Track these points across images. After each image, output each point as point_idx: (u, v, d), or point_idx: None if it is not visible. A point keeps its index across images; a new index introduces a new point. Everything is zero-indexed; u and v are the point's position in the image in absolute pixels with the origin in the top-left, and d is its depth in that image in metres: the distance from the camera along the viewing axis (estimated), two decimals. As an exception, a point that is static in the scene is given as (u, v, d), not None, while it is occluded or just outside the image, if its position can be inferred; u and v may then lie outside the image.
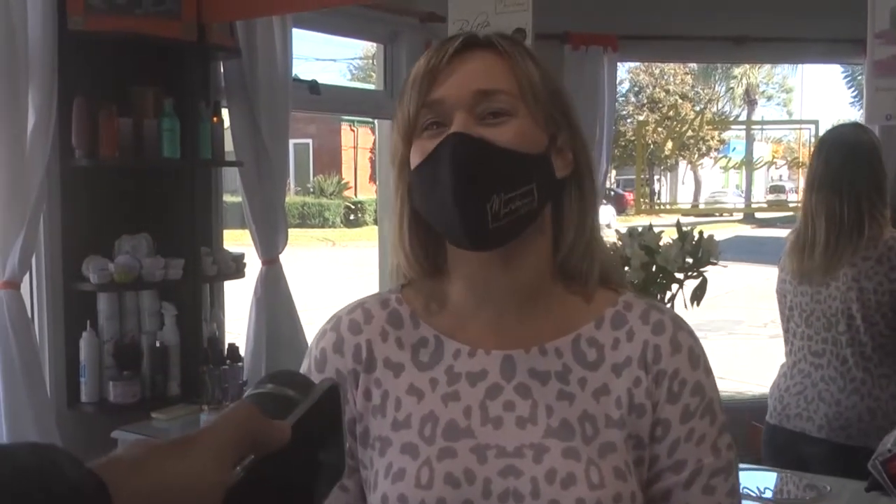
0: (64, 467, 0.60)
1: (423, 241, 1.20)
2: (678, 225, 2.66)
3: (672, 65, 27.55)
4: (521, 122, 1.13)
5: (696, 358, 1.19)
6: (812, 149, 3.36)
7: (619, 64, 5.41)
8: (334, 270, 15.66)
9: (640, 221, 3.05)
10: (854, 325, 2.82)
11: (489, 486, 1.10)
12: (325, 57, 24.59)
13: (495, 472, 1.11)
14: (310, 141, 27.90)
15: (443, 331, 1.21)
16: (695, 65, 27.91)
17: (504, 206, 1.09)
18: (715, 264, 2.64)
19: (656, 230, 2.68)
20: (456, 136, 1.10)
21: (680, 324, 1.21)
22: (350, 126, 27.95)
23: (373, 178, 24.07)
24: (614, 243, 2.67)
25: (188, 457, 0.68)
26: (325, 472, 0.83)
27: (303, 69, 4.06)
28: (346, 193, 27.65)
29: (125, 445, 0.68)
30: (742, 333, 11.21)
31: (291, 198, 24.89)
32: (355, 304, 1.27)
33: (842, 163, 2.86)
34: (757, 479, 2.66)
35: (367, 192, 26.58)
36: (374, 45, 5.17)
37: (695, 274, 2.64)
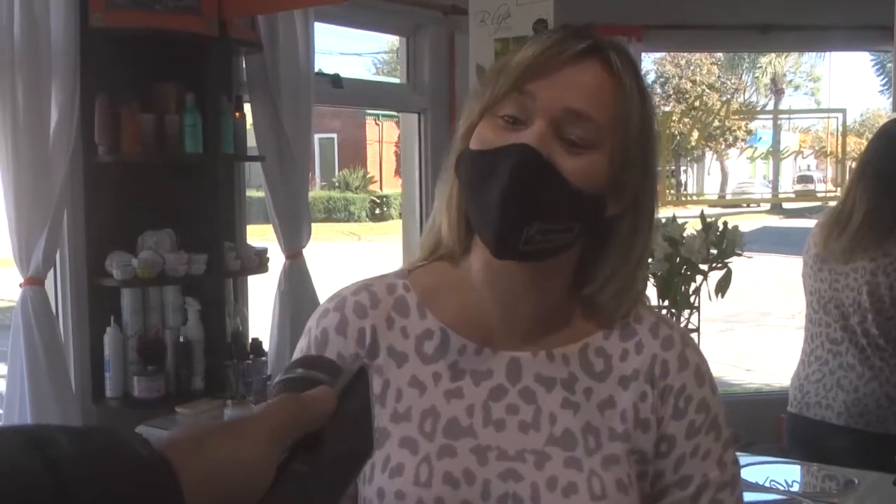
0: (135, 447, 0.64)
1: (465, 214, 1.15)
2: (702, 216, 2.64)
3: (698, 55, 27.36)
4: (597, 159, 1.07)
5: (703, 375, 1.18)
6: (869, 136, 3.24)
7: (645, 54, 5.37)
8: (360, 264, 15.67)
9: (667, 213, 3.04)
10: (867, 318, 2.79)
11: (488, 488, 1.08)
12: (349, 51, 24.59)
13: (495, 475, 1.09)
14: (335, 135, 27.93)
15: (449, 324, 1.17)
16: (721, 55, 27.72)
17: (540, 234, 1.05)
18: (740, 255, 2.62)
19: (683, 221, 2.66)
20: (525, 149, 1.04)
21: (688, 341, 1.20)
22: (375, 120, 27.96)
23: (398, 172, 24.09)
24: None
25: (242, 438, 0.71)
26: (356, 452, 0.85)
27: (327, 63, 4.04)
28: (372, 187, 27.67)
29: (180, 425, 0.74)
30: (770, 325, 11.13)
31: (317, 192, 24.96)
32: (360, 285, 1.22)
33: None
34: (784, 473, 2.65)
35: (392, 186, 26.57)
36: (398, 38, 5.15)
37: (719, 265, 2.62)
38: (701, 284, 2.62)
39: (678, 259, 2.56)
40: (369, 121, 28.18)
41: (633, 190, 1.12)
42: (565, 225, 1.07)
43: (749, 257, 2.66)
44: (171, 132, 3.48)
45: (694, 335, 2.66)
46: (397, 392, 1.15)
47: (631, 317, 1.18)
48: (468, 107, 1.13)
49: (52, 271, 3.34)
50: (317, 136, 26.02)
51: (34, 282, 3.18)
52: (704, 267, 2.60)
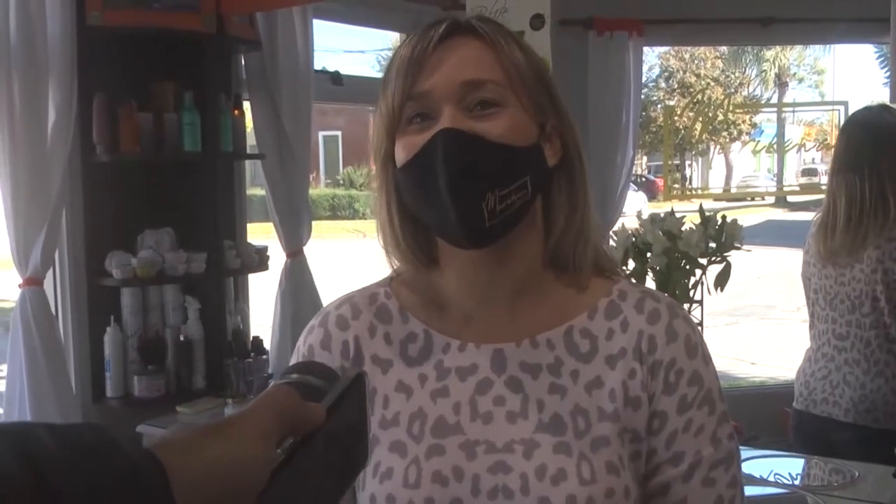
0: (124, 446, 0.64)
1: (414, 234, 1.17)
2: (701, 210, 2.63)
3: (702, 49, 27.29)
4: (512, 113, 1.09)
5: (694, 346, 1.15)
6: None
7: (648, 49, 5.34)
8: (365, 262, 15.66)
9: (667, 207, 3.03)
10: (878, 307, 2.78)
11: (478, 483, 1.08)
12: (352, 49, 24.59)
13: (484, 469, 1.08)
14: (339, 133, 27.92)
15: (432, 325, 1.18)
16: (725, 48, 27.63)
17: (500, 203, 1.06)
18: (739, 248, 2.61)
19: (686, 216, 2.65)
20: (447, 133, 1.05)
21: (676, 311, 1.17)
22: (379, 117, 27.97)
23: (402, 169, 24.05)
24: (636, 229, 2.64)
25: (235, 437, 0.72)
26: (350, 459, 0.85)
27: (330, 61, 4.03)
28: (376, 185, 27.61)
29: (173, 428, 0.74)
30: (775, 318, 11.10)
31: (321, 190, 24.96)
32: (343, 298, 1.25)
33: (864, 143, 2.82)
34: (787, 466, 2.64)
35: (396, 183, 26.49)
36: (399, 35, 5.14)
37: (718, 259, 2.61)
38: (700, 279, 2.61)
39: (677, 253, 2.55)
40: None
41: (557, 131, 1.15)
42: (516, 183, 1.08)
43: (748, 251, 2.65)
44: (170, 131, 3.48)
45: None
46: (384, 398, 1.16)
47: (615, 294, 1.17)
48: (377, 133, 1.15)
49: (51, 272, 3.34)
50: (321, 134, 26.05)
51: (33, 282, 3.18)
52: (703, 261, 2.59)
